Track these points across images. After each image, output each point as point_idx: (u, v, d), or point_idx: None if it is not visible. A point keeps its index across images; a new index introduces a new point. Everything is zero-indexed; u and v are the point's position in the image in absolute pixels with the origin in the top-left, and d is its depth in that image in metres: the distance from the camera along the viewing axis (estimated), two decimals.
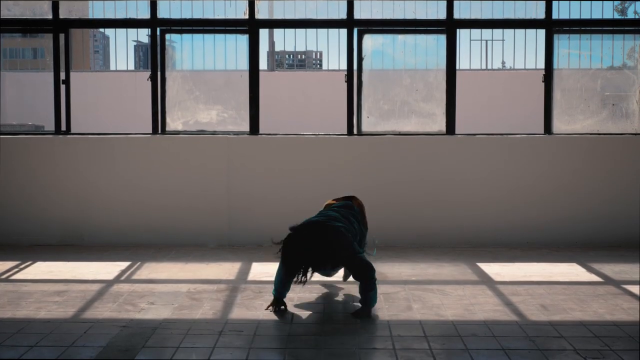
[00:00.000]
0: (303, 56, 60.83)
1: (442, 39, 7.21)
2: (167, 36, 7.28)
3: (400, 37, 7.41)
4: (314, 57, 57.84)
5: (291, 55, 59.36)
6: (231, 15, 7.26)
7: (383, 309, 4.63)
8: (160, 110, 7.28)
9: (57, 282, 5.40)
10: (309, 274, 4.42)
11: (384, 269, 5.90)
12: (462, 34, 16.97)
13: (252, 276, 5.68)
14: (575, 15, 7.39)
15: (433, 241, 6.97)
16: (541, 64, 7.51)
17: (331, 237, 4.41)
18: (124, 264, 6.08)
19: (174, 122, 7.33)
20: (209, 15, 7.30)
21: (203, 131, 7.32)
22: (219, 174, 7.05)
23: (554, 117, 7.27)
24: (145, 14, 7.25)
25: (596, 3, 7.45)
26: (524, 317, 4.44)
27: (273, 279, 5.46)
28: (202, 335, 4.05)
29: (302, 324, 4.31)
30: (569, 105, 7.34)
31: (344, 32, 7.24)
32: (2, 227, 7.06)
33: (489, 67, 17.38)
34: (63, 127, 7.31)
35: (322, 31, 17.34)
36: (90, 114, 13.56)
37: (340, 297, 5.00)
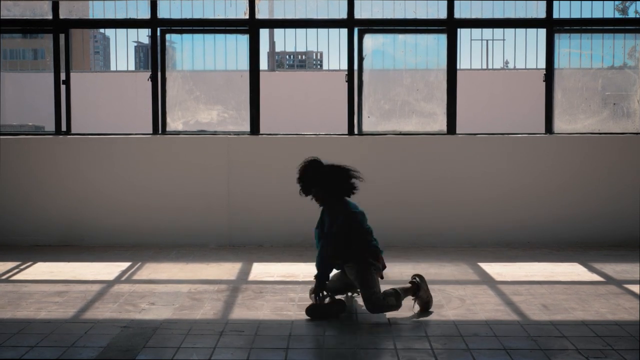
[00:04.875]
0: (303, 57, 60.86)
1: (442, 38, 7.20)
2: (167, 36, 7.27)
3: (401, 37, 7.40)
4: (314, 57, 57.85)
5: (291, 56, 59.38)
6: (231, 15, 7.25)
7: None
8: (161, 111, 7.27)
9: (57, 283, 5.39)
10: None
11: (385, 269, 5.88)
12: (463, 34, 16.94)
13: (252, 276, 5.68)
14: (576, 15, 7.38)
15: (434, 241, 6.96)
16: (542, 64, 7.49)
17: None
18: (124, 265, 6.07)
19: (174, 122, 7.32)
20: (209, 15, 7.29)
21: (203, 131, 7.32)
22: (219, 174, 7.04)
23: (555, 116, 7.26)
24: (146, 14, 7.24)
25: (597, 2, 7.44)
26: (526, 317, 4.43)
27: (273, 279, 5.47)
28: (203, 335, 4.05)
29: (303, 324, 4.30)
30: (570, 104, 7.33)
31: (344, 31, 7.23)
32: (2, 228, 7.05)
33: (490, 66, 17.35)
34: (63, 128, 7.31)
35: (323, 31, 17.31)
36: (90, 114, 13.55)
37: (340, 297, 4.98)
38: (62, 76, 7.29)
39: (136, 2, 7.30)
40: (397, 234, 6.93)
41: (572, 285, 5.27)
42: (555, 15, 7.20)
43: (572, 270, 5.87)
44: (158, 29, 7.24)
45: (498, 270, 5.87)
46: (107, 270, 5.86)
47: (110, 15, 7.41)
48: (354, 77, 7.22)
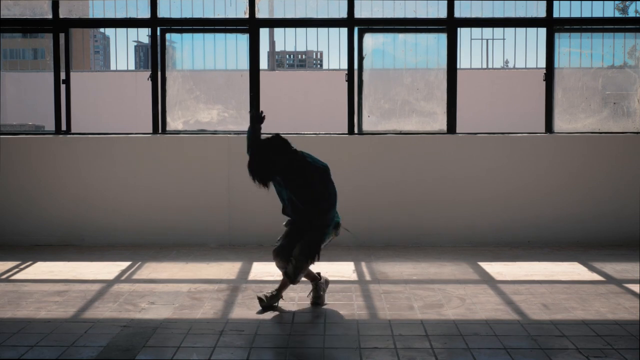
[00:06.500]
0: (303, 56, 60.93)
1: (442, 37, 7.20)
2: (168, 36, 7.27)
3: (401, 36, 7.39)
4: (314, 57, 57.95)
5: (291, 56, 59.43)
6: (231, 14, 7.25)
7: (384, 309, 4.62)
8: (161, 110, 7.26)
9: (57, 282, 5.39)
10: None
11: (385, 269, 5.89)
12: (463, 33, 16.95)
13: (252, 276, 5.68)
14: (576, 14, 7.38)
15: (434, 240, 6.96)
16: (542, 63, 7.50)
17: None
18: (124, 264, 6.07)
19: (174, 122, 7.32)
20: (209, 14, 7.29)
21: (204, 131, 7.31)
22: (219, 173, 7.04)
23: (555, 115, 7.26)
24: (146, 14, 7.24)
25: (597, 2, 7.43)
26: (526, 316, 4.43)
27: (274, 278, 5.47)
28: (203, 334, 4.04)
29: (303, 324, 4.30)
30: (570, 104, 7.33)
31: (344, 31, 7.23)
32: (2, 227, 7.05)
33: (490, 66, 17.35)
34: (63, 127, 7.30)
35: (323, 31, 17.35)
36: (90, 114, 13.55)
37: (341, 297, 4.98)
38: (62, 76, 7.29)
39: (136, 1, 7.30)
40: (396, 233, 6.93)
41: (573, 285, 5.27)
42: (556, 15, 7.20)
43: (573, 270, 5.87)
44: (158, 29, 7.23)
45: (498, 269, 5.87)
46: (107, 269, 5.86)
47: (110, 14, 7.41)
48: (354, 76, 7.21)
